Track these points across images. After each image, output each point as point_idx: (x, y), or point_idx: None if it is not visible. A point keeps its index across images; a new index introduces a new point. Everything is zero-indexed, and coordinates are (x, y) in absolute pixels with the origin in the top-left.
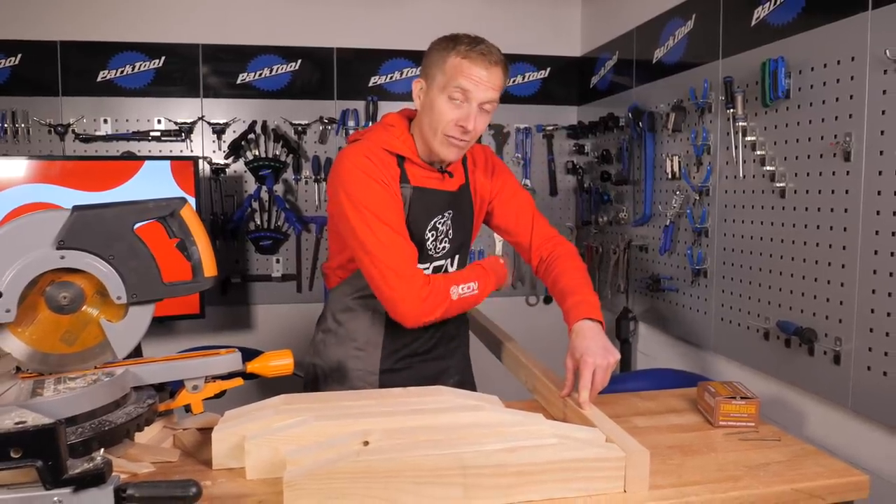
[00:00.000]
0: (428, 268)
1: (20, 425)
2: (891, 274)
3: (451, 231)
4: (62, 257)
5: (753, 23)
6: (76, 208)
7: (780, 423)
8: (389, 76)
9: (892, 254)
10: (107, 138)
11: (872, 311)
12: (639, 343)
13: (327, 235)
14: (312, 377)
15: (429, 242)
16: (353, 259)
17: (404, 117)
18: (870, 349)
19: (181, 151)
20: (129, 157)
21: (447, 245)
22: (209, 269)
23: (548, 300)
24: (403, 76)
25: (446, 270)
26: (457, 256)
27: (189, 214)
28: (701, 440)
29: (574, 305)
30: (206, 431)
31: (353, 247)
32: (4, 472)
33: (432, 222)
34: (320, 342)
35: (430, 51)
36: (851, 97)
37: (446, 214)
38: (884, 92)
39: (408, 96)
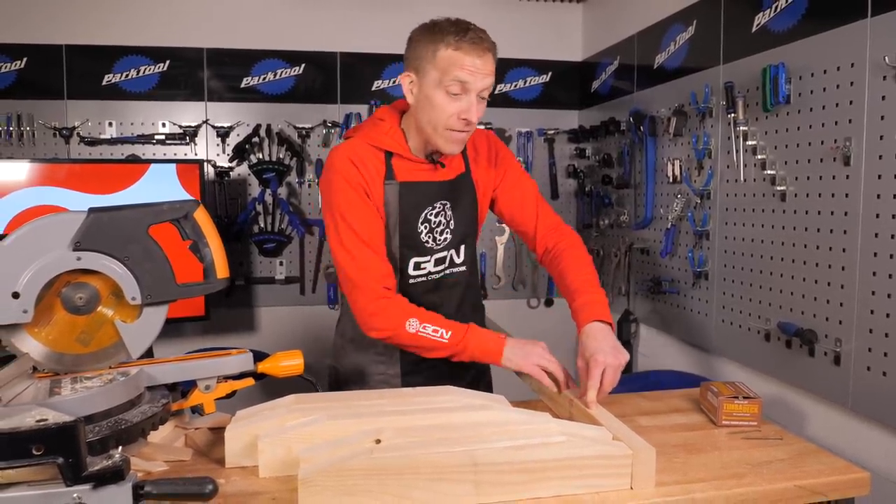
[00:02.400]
0: (429, 260)
1: (42, 423)
2: (890, 276)
3: (452, 221)
4: (78, 259)
5: (754, 29)
6: (92, 210)
7: (781, 423)
8: (393, 80)
9: (891, 256)
10: (111, 141)
11: (872, 312)
12: (640, 345)
13: None
14: (333, 379)
15: (423, 235)
16: None
17: (396, 111)
18: (869, 350)
19: (185, 155)
20: (136, 160)
21: (448, 236)
22: (221, 270)
23: (548, 303)
24: None
25: (452, 261)
26: (462, 247)
27: (202, 217)
28: (705, 439)
29: (583, 306)
30: (217, 431)
31: (332, 251)
32: (21, 469)
33: (423, 214)
34: (340, 348)
35: (414, 42)
36: (851, 103)
37: (438, 205)
38: (883, 98)
39: None
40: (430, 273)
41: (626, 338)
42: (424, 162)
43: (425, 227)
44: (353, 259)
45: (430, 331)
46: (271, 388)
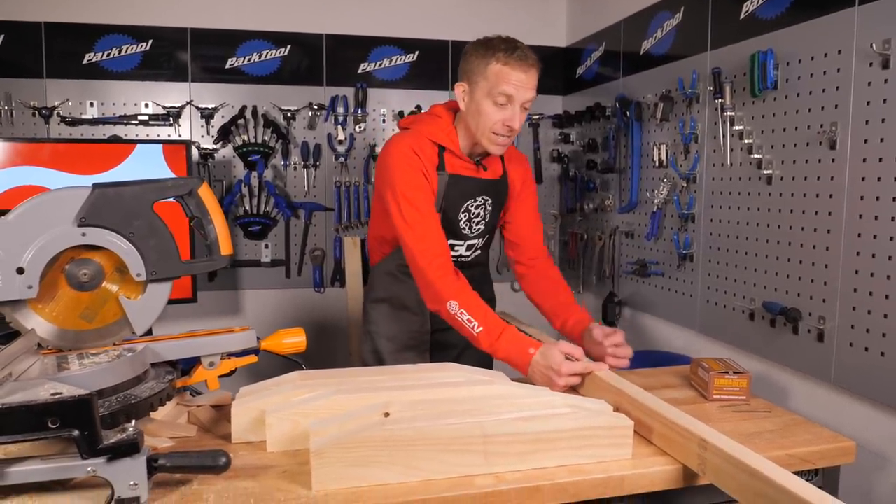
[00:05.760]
0: (462, 244)
1: (57, 396)
2: (873, 255)
3: (489, 216)
4: (83, 234)
5: (742, 16)
6: (96, 186)
7: (767, 399)
8: (378, 63)
9: (874, 236)
10: (93, 122)
11: (855, 290)
12: (623, 326)
13: (373, 213)
14: (371, 342)
15: (461, 223)
16: None
17: (450, 109)
18: (852, 327)
19: (169, 136)
20: (122, 140)
21: (482, 227)
22: (225, 247)
23: None
24: (392, 63)
25: (477, 249)
26: (487, 236)
27: (206, 194)
28: (697, 412)
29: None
30: (219, 408)
31: (395, 226)
32: (26, 444)
33: (465, 205)
34: (374, 311)
35: (469, 56)
36: (838, 88)
37: (481, 199)
38: (868, 84)
39: (397, 83)
40: (460, 256)
41: (610, 319)
42: (470, 161)
43: (465, 216)
44: (413, 230)
45: (465, 318)
46: (254, 371)
